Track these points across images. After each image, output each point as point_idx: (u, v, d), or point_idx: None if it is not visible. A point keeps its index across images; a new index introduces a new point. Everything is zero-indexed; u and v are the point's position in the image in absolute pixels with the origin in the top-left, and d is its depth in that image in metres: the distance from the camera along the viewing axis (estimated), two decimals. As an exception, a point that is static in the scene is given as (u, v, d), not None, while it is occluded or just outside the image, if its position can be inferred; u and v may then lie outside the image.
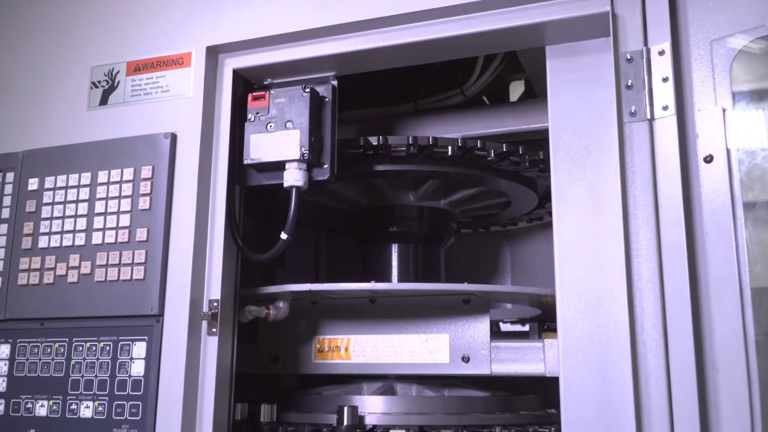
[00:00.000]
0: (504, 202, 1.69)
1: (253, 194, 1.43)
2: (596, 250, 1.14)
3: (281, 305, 1.41)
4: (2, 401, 1.35)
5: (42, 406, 1.31)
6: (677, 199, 1.08)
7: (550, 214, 1.76)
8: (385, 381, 1.51)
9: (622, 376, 1.07)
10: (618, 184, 1.11)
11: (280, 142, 1.32)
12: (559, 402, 1.12)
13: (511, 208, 1.73)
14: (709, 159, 1.08)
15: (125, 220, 1.32)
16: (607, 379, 1.09)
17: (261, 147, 1.33)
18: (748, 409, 0.98)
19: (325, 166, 1.33)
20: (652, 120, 1.12)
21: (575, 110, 1.20)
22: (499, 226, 1.95)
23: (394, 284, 1.53)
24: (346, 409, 1.31)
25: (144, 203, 1.31)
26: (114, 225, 1.33)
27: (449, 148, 1.41)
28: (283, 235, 1.31)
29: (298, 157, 1.30)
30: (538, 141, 1.54)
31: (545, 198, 1.65)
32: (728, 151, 1.07)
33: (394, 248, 1.62)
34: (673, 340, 1.04)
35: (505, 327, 1.85)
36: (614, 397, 1.08)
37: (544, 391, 1.54)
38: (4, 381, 1.36)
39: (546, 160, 1.43)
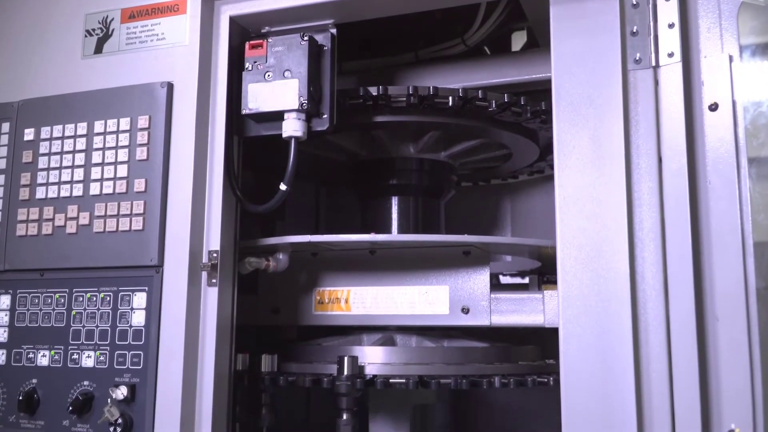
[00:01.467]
0: (505, 154, 1.68)
1: (252, 147, 1.41)
2: (598, 200, 1.13)
3: (281, 257, 1.41)
4: (4, 351, 1.36)
5: (44, 356, 1.32)
6: (681, 148, 1.06)
7: (551, 166, 1.75)
8: (385, 332, 1.52)
9: (621, 326, 1.07)
10: (621, 133, 1.10)
11: (278, 91, 1.30)
12: (558, 353, 1.12)
13: (512, 161, 1.72)
14: (714, 107, 1.06)
15: (123, 170, 1.31)
16: (606, 329, 1.09)
17: (259, 97, 1.31)
18: (747, 358, 0.99)
19: (324, 116, 1.32)
20: (657, 67, 1.10)
21: (578, 58, 1.17)
22: (500, 179, 1.93)
23: (394, 236, 1.53)
24: (346, 359, 1.31)
25: (141, 153, 1.30)
26: (112, 175, 1.32)
27: (450, 98, 1.39)
28: (282, 186, 1.30)
29: (296, 107, 1.28)
30: (540, 92, 1.52)
31: (546, 150, 1.64)
32: (734, 99, 1.06)
33: (394, 201, 1.61)
34: (674, 290, 1.04)
35: (504, 280, 1.85)
36: (613, 347, 1.08)
37: (543, 342, 1.56)
38: (5, 331, 1.36)
39: (548, 111, 1.41)
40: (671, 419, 1.03)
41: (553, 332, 1.16)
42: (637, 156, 1.10)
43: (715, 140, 1.06)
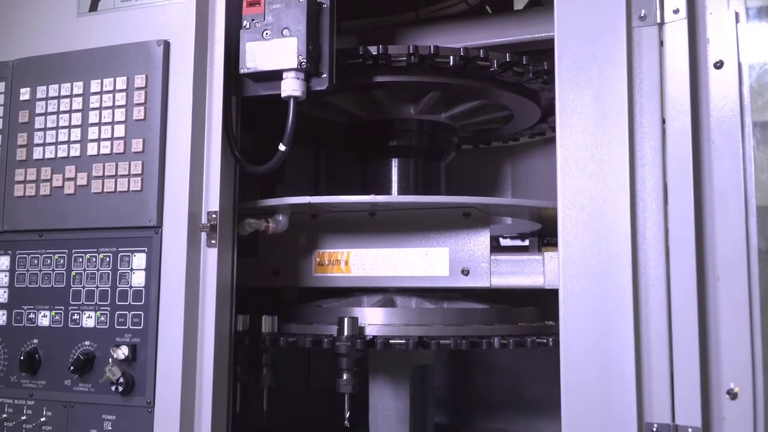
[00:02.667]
0: (506, 115, 1.66)
1: (251, 110, 1.40)
2: (600, 160, 1.11)
3: (280, 218, 1.41)
4: (4, 312, 1.36)
5: (44, 316, 1.33)
6: (685, 107, 1.05)
7: (552, 128, 1.74)
8: (385, 294, 1.52)
9: (621, 286, 1.07)
10: (624, 91, 1.09)
11: (276, 50, 1.28)
12: (558, 314, 1.12)
13: (513, 123, 1.70)
14: (719, 65, 1.05)
15: (120, 130, 1.30)
16: (606, 289, 1.09)
17: (257, 56, 1.29)
18: (747, 318, 0.99)
19: (324, 75, 1.30)
20: (661, 24, 1.08)
21: (582, 15, 1.15)
22: (500, 141, 1.92)
23: (394, 197, 1.52)
24: (346, 320, 1.32)
25: (138, 113, 1.29)
26: (109, 136, 1.30)
27: (451, 58, 1.37)
28: (282, 147, 1.29)
29: (295, 66, 1.27)
30: (543, 52, 1.50)
31: (548, 112, 1.62)
32: (739, 57, 1.04)
33: (394, 163, 1.60)
34: (675, 250, 1.04)
35: (504, 242, 1.85)
36: (613, 307, 1.08)
37: (542, 305, 1.56)
38: (5, 292, 1.36)
39: (550, 71, 1.39)
40: (670, 378, 1.03)
41: (553, 294, 1.16)
42: (640, 115, 1.09)
43: (720, 99, 1.04)
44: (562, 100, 1.15)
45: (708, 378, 1.02)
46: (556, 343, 1.16)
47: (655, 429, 1.03)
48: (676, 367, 1.03)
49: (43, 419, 1.30)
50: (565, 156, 1.14)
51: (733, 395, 0.99)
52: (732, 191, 1.02)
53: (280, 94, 1.28)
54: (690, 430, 1.01)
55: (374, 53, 1.36)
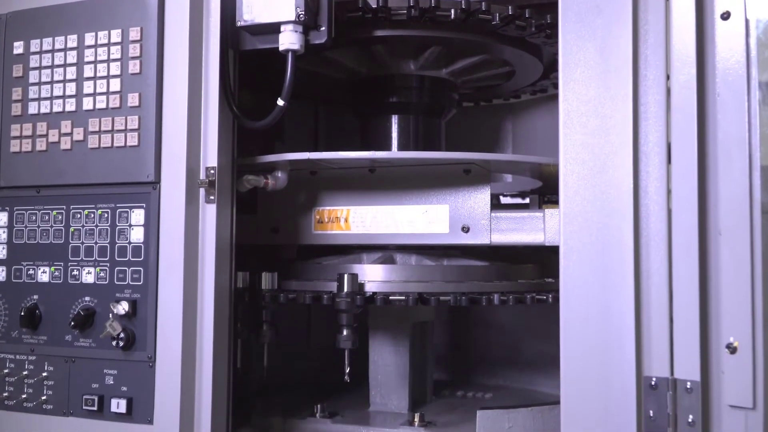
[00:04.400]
0: (508, 71, 1.64)
1: (250, 66, 1.37)
2: (603, 114, 1.10)
3: (279, 175, 1.40)
4: (3, 268, 1.36)
5: (44, 272, 1.32)
6: (690, 59, 1.03)
7: (554, 85, 1.72)
8: (385, 251, 1.52)
9: (622, 241, 1.07)
10: (629, 44, 1.07)
11: (274, 2, 1.25)
12: (558, 272, 1.12)
13: (515, 79, 1.68)
14: (726, 15, 1.02)
15: (115, 84, 1.28)
16: (607, 244, 1.09)
17: (254, 8, 1.27)
18: (749, 272, 0.98)
19: (322, 28, 1.27)
20: (668, -26, 1.05)
21: (587, -34, 1.12)
22: (502, 98, 1.90)
23: (394, 152, 1.51)
24: (346, 276, 1.32)
25: (134, 67, 1.27)
26: (104, 90, 1.28)
27: (452, 11, 1.35)
28: (280, 102, 1.27)
29: (293, 18, 1.24)
30: (546, 5, 1.47)
31: (550, 68, 1.60)
32: (746, 8, 1.02)
33: (394, 119, 1.58)
34: (677, 204, 1.03)
35: (505, 200, 1.84)
36: (614, 262, 1.08)
37: (542, 264, 1.56)
38: (4, 248, 1.36)
39: (553, 25, 1.36)
40: (669, 333, 1.04)
41: (553, 252, 1.16)
42: (645, 68, 1.07)
43: (726, 50, 1.02)
44: (565, 54, 1.13)
45: (708, 332, 1.02)
46: (556, 299, 1.16)
47: (653, 382, 1.04)
48: (676, 322, 1.03)
49: (44, 374, 1.30)
50: (567, 110, 1.12)
51: (732, 349, 0.99)
52: (736, 145, 1.00)
53: (278, 48, 1.26)
54: (689, 383, 1.01)
55: (374, 6, 1.34)
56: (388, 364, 1.56)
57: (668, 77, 1.06)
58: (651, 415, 1.03)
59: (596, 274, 1.09)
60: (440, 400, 1.68)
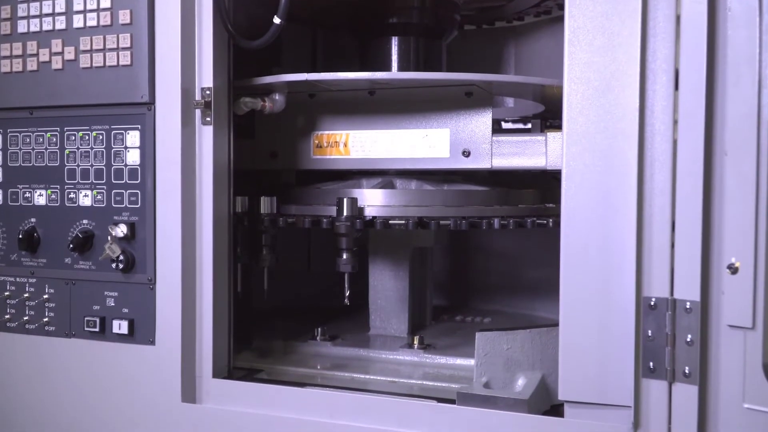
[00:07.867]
0: (511, -10, 1.59)
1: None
2: (609, 31, 1.07)
3: (277, 97, 1.37)
4: (0, 191, 1.34)
5: (40, 195, 1.31)
6: (702, -28, 0.99)
7: (559, 6, 1.67)
8: (385, 176, 1.50)
9: (626, 162, 1.05)
10: (639, -45, 1.02)
11: None
12: (559, 198, 1.11)
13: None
14: (742, -76, 0.98)
15: (106, 0, 1.24)
16: (611, 165, 1.07)
17: None
18: (753, 192, 0.97)
19: (320, -58, 1.22)
20: None
21: None
22: (504, 21, 1.85)
23: (394, 73, 1.47)
24: (345, 200, 1.31)
25: (125, -18, 1.22)
26: (95, 7, 1.24)
27: (455, -76, 1.29)
28: (276, 20, 1.23)
29: (290, -70, 1.19)
30: None
31: (555, -13, 1.55)
32: None
33: (394, 41, 1.54)
34: (683, 123, 1.01)
35: (506, 125, 1.81)
36: (617, 184, 1.06)
37: (542, 190, 1.54)
38: (-1, 171, 1.35)
39: (560, -60, 1.31)
40: (670, 253, 1.03)
41: (554, 178, 1.14)
42: (654, -19, 1.03)
43: (740, -38, 0.98)
44: (572, -33, 1.09)
45: (709, 252, 1.01)
46: (557, 224, 1.15)
47: (653, 303, 1.04)
48: (677, 242, 1.02)
49: (45, 296, 1.31)
50: (573, 28, 1.09)
51: (733, 270, 0.98)
52: (746, 62, 0.97)
53: (273, -37, 1.21)
54: (688, 303, 1.02)
55: None
56: (387, 289, 1.57)
57: (678, -7, 1.02)
58: (649, 334, 1.04)
59: (599, 196, 1.08)
60: (439, 325, 1.69)
